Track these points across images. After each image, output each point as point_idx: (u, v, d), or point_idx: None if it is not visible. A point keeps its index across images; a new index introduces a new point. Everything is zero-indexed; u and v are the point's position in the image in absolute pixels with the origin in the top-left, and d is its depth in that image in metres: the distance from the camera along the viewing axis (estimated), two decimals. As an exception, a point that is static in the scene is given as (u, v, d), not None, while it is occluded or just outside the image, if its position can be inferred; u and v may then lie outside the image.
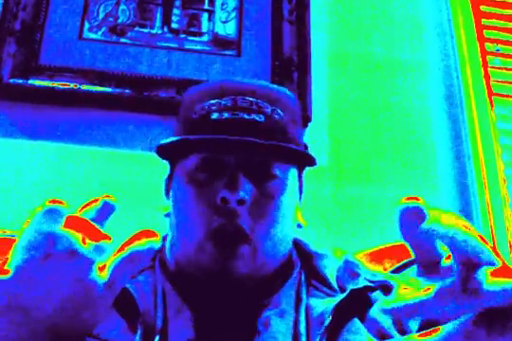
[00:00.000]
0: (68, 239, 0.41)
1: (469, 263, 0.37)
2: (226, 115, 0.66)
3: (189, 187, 0.67)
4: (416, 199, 0.40)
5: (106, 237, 0.42)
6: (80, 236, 0.41)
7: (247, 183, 0.64)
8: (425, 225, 0.38)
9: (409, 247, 0.42)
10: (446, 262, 0.41)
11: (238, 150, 0.66)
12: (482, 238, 0.38)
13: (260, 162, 0.67)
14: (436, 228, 0.37)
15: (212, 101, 0.68)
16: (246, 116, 0.66)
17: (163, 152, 0.70)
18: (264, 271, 0.66)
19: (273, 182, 0.67)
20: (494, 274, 0.37)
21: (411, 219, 0.39)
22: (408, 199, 0.40)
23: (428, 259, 0.41)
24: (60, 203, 0.41)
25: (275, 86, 0.75)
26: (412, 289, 0.38)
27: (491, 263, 0.38)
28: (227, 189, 0.63)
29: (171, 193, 0.72)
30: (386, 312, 0.37)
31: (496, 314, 0.37)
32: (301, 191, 0.75)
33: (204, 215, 0.64)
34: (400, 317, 0.36)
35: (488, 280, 0.37)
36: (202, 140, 0.66)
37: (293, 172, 0.70)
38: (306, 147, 0.75)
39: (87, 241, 0.42)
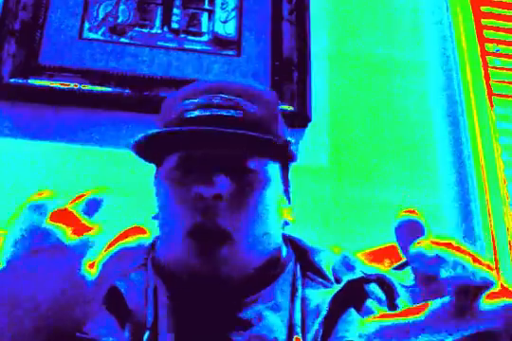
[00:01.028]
0: (55, 232, 0.41)
1: (465, 286, 0.37)
2: (200, 112, 0.66)
3: (167, 186, 0.67)
4: (414, 212, 0.39)
5: (93, 228, 0.42)
6: (66, 229, 0.41)
7: (223, 177, 0.64)
8: (412, 249, 0.36)
9: (406, 258, 0.42)
10: (444, 274, 0.40)
11: (211, 143, 0.65)
12: (476, 259, 0.36)
13: (234, 155, 0.66)
14: (424, 252, 0.36)
15: (187, 102, 0.68)
16: (219, 112, 0.66)
17: (141, 153, 0.70)
18: (248, 269, 0.66)
19: (250, 176, 0.66)
20: (489, 295, 0.36)
21: (408, 233, 0.39)
22: (405, 212, 0.39)
23: (426, 275, 0.40)
24: (47, 195, 0.40)
25: (251, 83, 0.75)
26: (403, 308, 0.36)
27: (488, 284, 0.37)
28: (201, 185, 0.62)
29: (155, 195, 0.72)
30: (373, 333, 0.36)
31: (489, 336, 0.37)
32: (286, 188, 0.74)
33: (182, 213, 0.64)
34: (390, 338, 0.35)
35: (483, 302, 0.36)
36: (174, 136, 0.65)
37: (273, 167, 0.70)
38: (289, 143, 0.75)
39: (74, 233, 0.41)
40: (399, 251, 0.40)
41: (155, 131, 0.66)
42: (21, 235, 0.40)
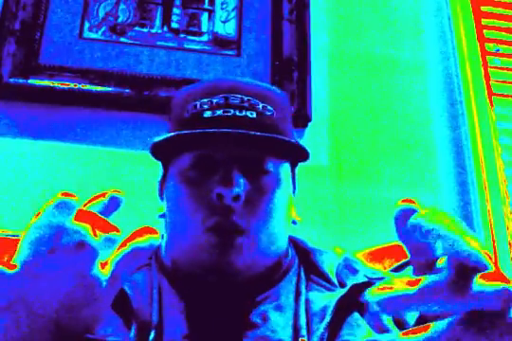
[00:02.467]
0: (78, 231, 0.41)
1: (460, 264, 0.37)
2: (218, 112, 0.67)
3: (183, 186, 0.67)
4: (412, 201, 0.40)
5: (115, 229, 0.43)
6: (89, 227, 0.41)
7: (242, 178, 0.65)
8: (412, 220, 0.38)
9: (404, 248, 0.42)
10: (440, 264, 0.41)
11: (231, 144, 0.66)
12: (473, 239, 0.37)
13: (253, 156, 0.67)
14: (423, 225, 0.37)
15: (204, 100, 0.68)
16: (237, 113, 0.66)
17: (157, 151, 0.70)
18: (260, 265, 0.67)
19: (267, 177, 0.67)
20: (484, 276, 0.37)
21: (407, 220, 0.39)
22: (404, 201, 0.40)
23: (422, 260, 0.41)
24: (71, 196, 0.41)
25: (265, 84, 0.76)
26: (399, 280, 0.37)
27: (483, 266, 0.37)
28: (222, 186, 0.63)
29: (165, 194, 0.72)
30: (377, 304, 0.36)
31: (485, 317, 0.37)
32: (294, 188, 0.75)
33: (199, 213, 0.64)
34: (386, 311, 0.36)
35: (477, 282, 0.36)
36: (195, 136, 0.66)
37: (286, 168, 0.71)
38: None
39: (98, 232, 0.42)
40: (400, 243, 0.41)
41: (182, 132, 0.66)
42: (41, 235, 0.41)
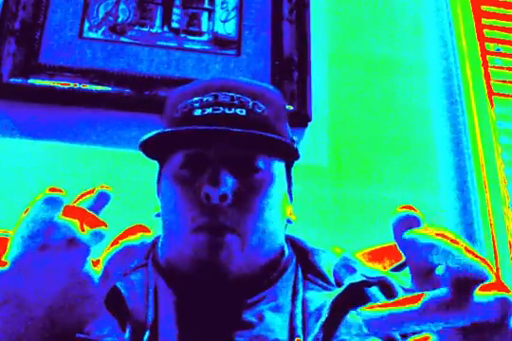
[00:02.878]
0: (66, 226, 0.41)
1: (461, 276, 0.37)
2: (207, 110, 0.66)
3: (173, 184, 0.67)
4: (411, 208, 0.39)
5: (103, 223, 0.42)
6: (78, 223, 0.41)
7: (230, 177, 0.64)
8: (406, 235, 0.37)
9: (403, 255, 0.42)
10: (439, 271, 0.40)
11: (219, 142, 0.65)
12: (471, 251, 0.37)
13: (242, 155, 0.66)
14: (417, 239, 0.37)
15: (195, 99, 0.68)
16: (227, 111, 0.66)
17: (147, 150, 0.69)
18: (254, 265, 0.66)
19: (257, 175, 0.66)
20: (484, 287, 0.36)
21: (405, 227, 0.39)
22: (403, 208, 0.39)
23: (421, 267, 0.40)
24: (59, 191, 0.40)
25: (257, 82, 0.75)
26: (399, 297, 0.36)
27: (483, 276, 0.37)
28: (209, 185, 0.62)
29: (160, 193, 0.72)
30: (368, 322, 0.36)
31: (486, 327, 0.36)
32: (289, 186, 0.74)
33: (190, 212, 0.64)
34: (382, 329, 0.35)
35: (477, 294, 0.36)
36: (182, 134, 0.65)
37: (278, 166, 0.70)
38: (293, 141, 0.75)
39: (85, 227, 0.41)
40: (397, 247, 0.40)
41: (167, 130, 0.65)
42: (31, 230, 0.40)
